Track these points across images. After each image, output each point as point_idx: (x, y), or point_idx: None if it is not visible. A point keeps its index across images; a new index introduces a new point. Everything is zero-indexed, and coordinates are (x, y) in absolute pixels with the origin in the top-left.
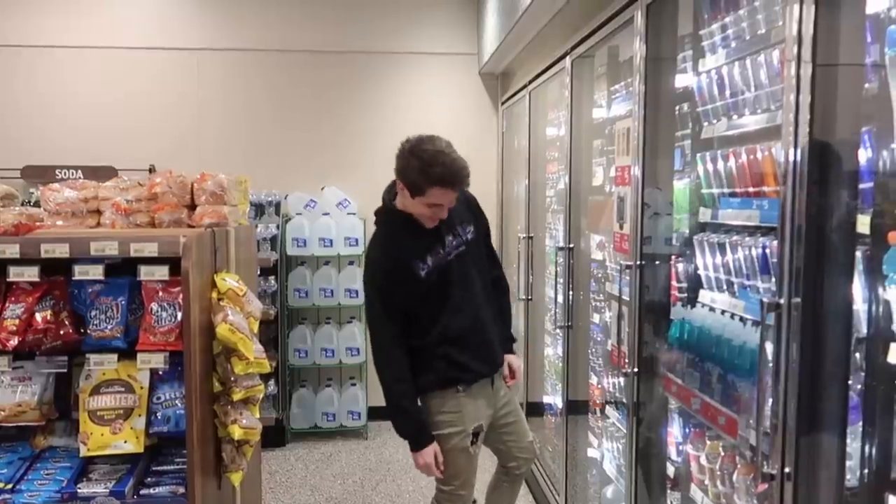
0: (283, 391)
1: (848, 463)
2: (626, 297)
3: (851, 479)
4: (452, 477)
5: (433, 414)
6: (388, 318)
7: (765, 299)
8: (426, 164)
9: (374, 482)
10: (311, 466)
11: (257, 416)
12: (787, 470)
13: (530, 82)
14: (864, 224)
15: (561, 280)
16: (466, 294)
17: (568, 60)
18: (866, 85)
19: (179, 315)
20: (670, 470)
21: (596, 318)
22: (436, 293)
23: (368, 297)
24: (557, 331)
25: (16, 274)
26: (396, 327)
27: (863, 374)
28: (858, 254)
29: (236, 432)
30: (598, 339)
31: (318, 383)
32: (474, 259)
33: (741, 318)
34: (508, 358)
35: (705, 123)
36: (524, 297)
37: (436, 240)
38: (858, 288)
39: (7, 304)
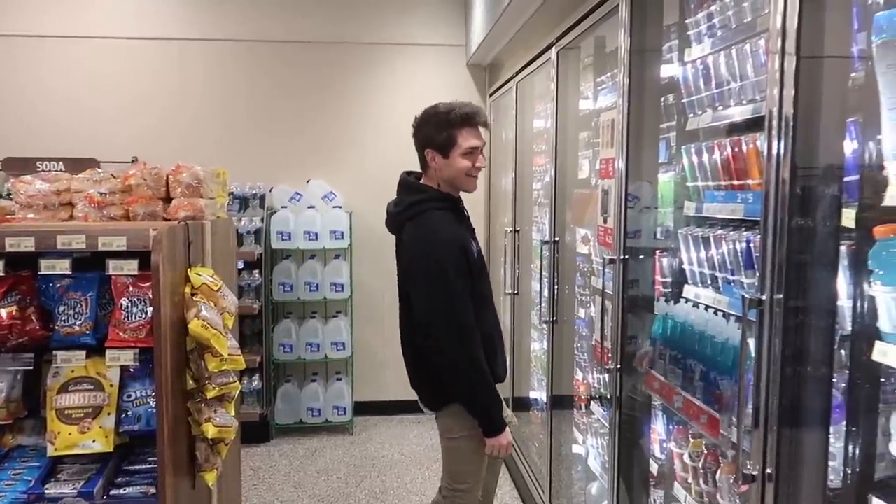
0: (268, 386)
1: (831, 463)
2: (609, 292)
3: (835, 479)
4: (471, 475)
5: (465, 417)
6: (468, 300)
7: (746, 295)
8: (445, 114)
9: (358, 478)
10: (295, 462)
11: (232, 413)
12: (768, 471)
13: (517, 74)
14: (849, 218)
15: (546, 274)
16: (488, 283)
17: (553, 51)
18: (852, 75)
19: (150, 311)
20: (654, 467)
21: (582, 312)
22: (481, 280)
23: (444, 280)
24: (543, 325)
25: None
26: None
27: (847, 371)
28: (843, 248)
29: (210, 431)
30: (584, 334)
31: (304, 378)
32: None
33: (724, 314)
34: None
35: (690, 115)
36: (510, 291)
37: (468, 224)
38: (843, 284)
39: None
